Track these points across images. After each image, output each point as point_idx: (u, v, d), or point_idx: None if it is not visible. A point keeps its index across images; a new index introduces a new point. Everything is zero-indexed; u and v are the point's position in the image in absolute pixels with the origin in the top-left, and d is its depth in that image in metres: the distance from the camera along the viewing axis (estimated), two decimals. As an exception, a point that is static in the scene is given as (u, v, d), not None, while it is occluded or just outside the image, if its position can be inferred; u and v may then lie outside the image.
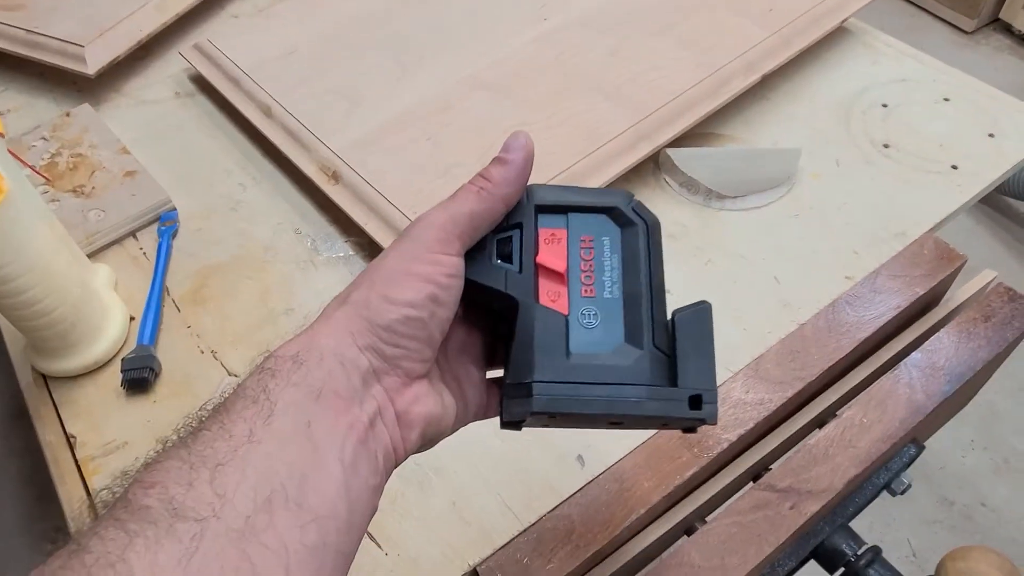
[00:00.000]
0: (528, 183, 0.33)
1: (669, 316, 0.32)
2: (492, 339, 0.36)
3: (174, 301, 0.59)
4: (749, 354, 0.54)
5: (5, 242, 0.46)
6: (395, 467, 0.30)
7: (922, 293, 0.56)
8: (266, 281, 0.60)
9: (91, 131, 0.69)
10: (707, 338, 0.31)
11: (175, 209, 0.65)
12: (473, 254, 0.32)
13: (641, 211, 0.33)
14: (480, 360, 0.35)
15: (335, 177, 0.62)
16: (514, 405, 0.30)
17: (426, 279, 0.29)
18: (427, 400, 0.31)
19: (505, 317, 0.32)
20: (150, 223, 0.64)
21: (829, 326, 0.55)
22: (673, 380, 0.30)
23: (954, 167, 0.64)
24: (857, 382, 0.56)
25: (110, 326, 0.56)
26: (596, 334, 0.31)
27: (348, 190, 0.61)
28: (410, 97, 0.67)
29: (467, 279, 0.31)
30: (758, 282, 0.58)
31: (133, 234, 0.64)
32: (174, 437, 0.26)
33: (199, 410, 0.28)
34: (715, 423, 0.30)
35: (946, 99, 0.69)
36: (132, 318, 0.58)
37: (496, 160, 0.32)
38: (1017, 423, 1.36)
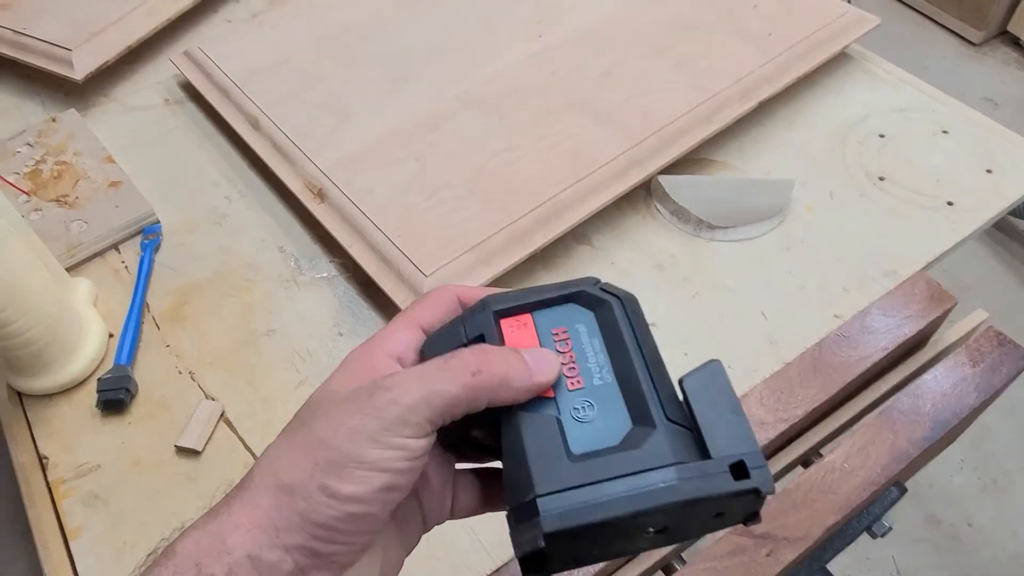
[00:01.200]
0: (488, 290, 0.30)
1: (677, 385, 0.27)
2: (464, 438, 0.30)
3: (154, 318, 0.59)
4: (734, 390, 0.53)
5: (-23, 264, 0.45)
6: None
7: (911, 335, 0.55)
8: (248, 300, 0.59)
9: (77, 138, 0.68)
10: (728, 397, 0.26)
11: (159, 222, 0.64)
12: None
13: (611, 288, 0.30)
14: (446, 462, 0.30)
15: (321, 195, 0.61)
16: (521, 533, 0.25)
17: (382, 468, 0.24)
18: None
19: (486, 438, 0.29)
20: (133, 235, 0.64)
21: (815, 366, 0.54)
22: (704, 452, 0.25)
23: (950, 203, 0.63)
24: (841, 423, 0.55)
25: (87, 344, 0.55)
26: (597, 426, 0.27)
27: (333, 209, 0.60)
28: (400, 113, 0.66)
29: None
30: (745, 317, 0.57)
31: (116, 246, 0.63)
32: None
33: None
34: (772, 491, 0.25)
35: (945, 131, 0.68)
36: (111, 335, 0.57)
37: (517, 356, 0.27)
38: (1007, 443, 1.35)
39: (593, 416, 0.27)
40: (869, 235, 0.61)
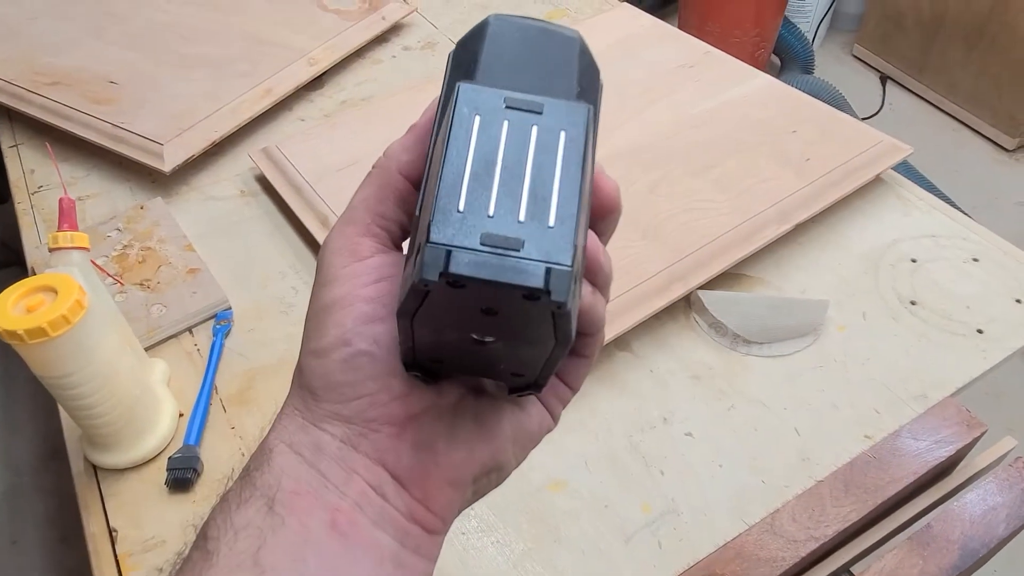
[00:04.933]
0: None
1: None
2: None
3: (221, 400, 0.63)
4: (765, 507, 0.55)
5: (78, 353, 0.50)
6: (439, 536, 0.25)
7: (941, 460, 0.57)
8: (308, 388, 0.64)
9: (161, 225, 0.75)
10: (452, 138, 0.20)
11: (231, 308, 0.69)
12: None
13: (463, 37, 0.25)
14: None
15: (382, 293, 0.66)
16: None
17: (346, 303, 0.24)
18: (441, 443, 0.25)
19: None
20: (206, 320, 0.69)
21: (847, 487, 0.56)
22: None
23: (979, 331, 0.65)
24: (871, 543, 0.56)
25: (160, 423, 0.59)
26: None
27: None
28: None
29: None
30: (778, 433, 0.60)
31: (190, 329, 0.68)
32: None
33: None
34: (429, 276, 0.18)
35: (975, 259, 0.71)
36: (181, 414, 0.62)
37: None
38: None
39: None
40: (900, 358, 0.64)
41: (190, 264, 0.71)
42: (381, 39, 1.02)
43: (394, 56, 1.00)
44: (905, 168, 1.85)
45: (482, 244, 0.18)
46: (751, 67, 0.89)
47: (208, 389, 0.63)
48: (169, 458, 0.58)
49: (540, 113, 0.20)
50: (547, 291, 0.18)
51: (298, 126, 0.89)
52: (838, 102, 1.96)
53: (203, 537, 0.23)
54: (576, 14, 1.07)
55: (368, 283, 0.24)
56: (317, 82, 0.94)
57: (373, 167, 0.27)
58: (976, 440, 0.59)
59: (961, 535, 0.54)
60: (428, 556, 0.25)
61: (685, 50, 0.92)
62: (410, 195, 0.26)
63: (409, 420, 0.24)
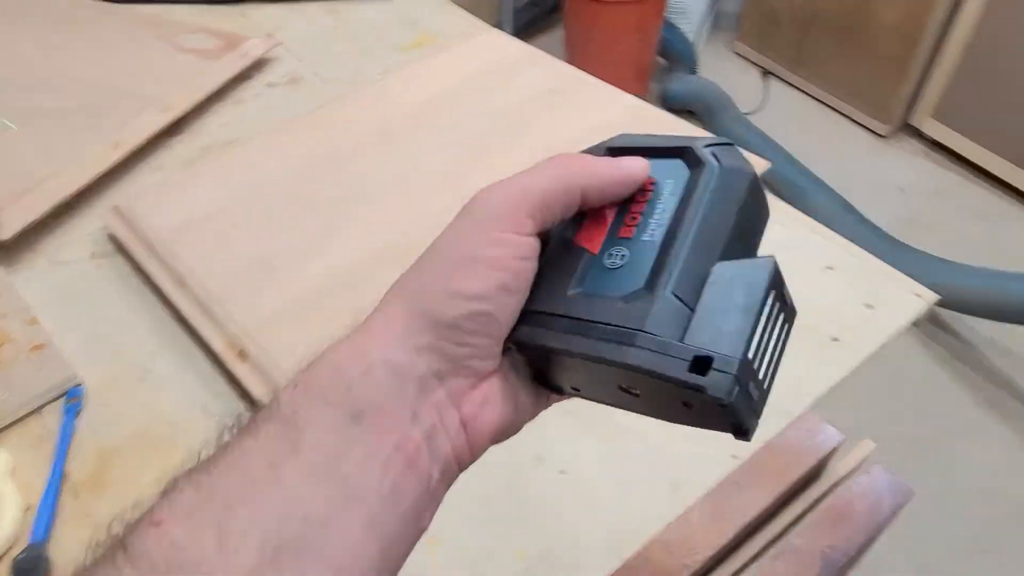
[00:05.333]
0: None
1: None
2: None
3: (74, 486, 0.59)
4: (640, 539, 0.56)
5: None
6: (456, 476, 0.29)
7: (802, 474, 0.59)
8: (170, 465, 0.60)
9: (2, 299, 0.70)
10: (754, 298, 0.26)
11: (81, 384, 0.65)
12: None
13: (720, 153, 0.29)
14: None
15: (242, 355, 0.64)
16: (512, 332, 0.29)
17: (495, 265, 0.27)
18: (498, 403, 0.28)
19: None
20: (56, 399, 0.64)
21: (714, 511, 0.58)
22: (684, 335, 0.25)
23: (835, 339, 0.68)
24: (739, 566, 0.58)
25: (1, 522, 0.55)
26: (616, 276, 0.28)
27: (256, 369, 0.63)
28: (326, 268, 0.70)
29: None
30: (650, 462, 0.60)
31: (39, 410, 0.64)
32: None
33: (231, 426, 0.28)
34: (723, 397, 0.24)
35: (829, 267, 0.74)
36: (28, 507, 0.58)
37: (606, 158, 0.29)
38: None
39: (620, 266, 0.28)
40: (763, 374, 0.65)
41: (35, 340, 0.67)
42: (243, 76, 0.98)
43: (258, 94, 0.97)
44: (788, 161, 1.92)
45: (752, 384, 0.25)
46: (615, 88, 0.90)
47: (58, 476, 0.59)
48: (13, 560, 0.54)
49: (788, 307, 0.28)
50: (750, 429, 0.26)
51: (156, 177, 0.85)
52: (722, 100, 2.02)
53: (293, 426, 0.25)
54: (445, 39, 1.06)
55: (519, 257, 0.27)
56: (175, 127, 0.90)
57: (557, 158, 0.29)
58: (835, 449, 0.62)
59: (822, 547, 0.56)
60: (441, 492, 0.28)
61: (551, 75, 0.93)
62: (573, 208, 0.29)
63: (486, 376, 0.28)
